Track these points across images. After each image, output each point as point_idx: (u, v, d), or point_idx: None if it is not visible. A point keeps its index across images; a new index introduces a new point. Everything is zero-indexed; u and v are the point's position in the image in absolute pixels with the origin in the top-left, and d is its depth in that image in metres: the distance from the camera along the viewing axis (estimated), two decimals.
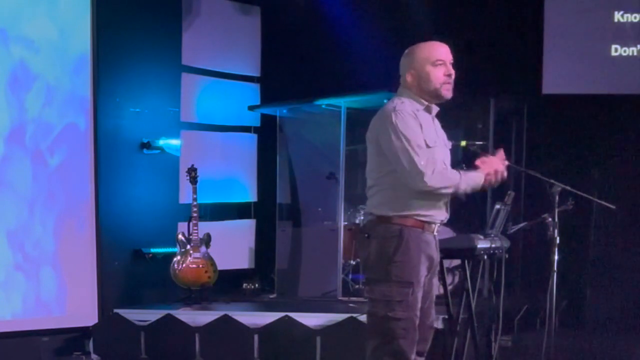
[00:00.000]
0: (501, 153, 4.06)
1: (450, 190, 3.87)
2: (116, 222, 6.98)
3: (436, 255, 4.01)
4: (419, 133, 3.83)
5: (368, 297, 4.00)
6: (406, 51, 4.02)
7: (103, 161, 6.89)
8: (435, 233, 3.98)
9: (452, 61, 3.96)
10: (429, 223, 3.93)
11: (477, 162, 4.01)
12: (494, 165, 3.96)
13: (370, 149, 3.99)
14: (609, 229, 7.48)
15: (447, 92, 3.94)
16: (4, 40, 6.38)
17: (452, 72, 3.94)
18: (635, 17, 7.60)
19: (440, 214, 3.96)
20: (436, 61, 3.91)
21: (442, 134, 4.06)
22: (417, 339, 3.89)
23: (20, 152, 6.49)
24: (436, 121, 4.05)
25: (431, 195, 3.86)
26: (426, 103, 3.96)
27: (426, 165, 3.79)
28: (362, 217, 7.26)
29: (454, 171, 3.89)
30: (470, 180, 3.90)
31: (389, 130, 3.83)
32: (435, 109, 4.02)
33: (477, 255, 5.15)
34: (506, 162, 4.03)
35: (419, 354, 3.98)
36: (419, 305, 3.90)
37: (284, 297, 7.45)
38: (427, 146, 3.85)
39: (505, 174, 4.01)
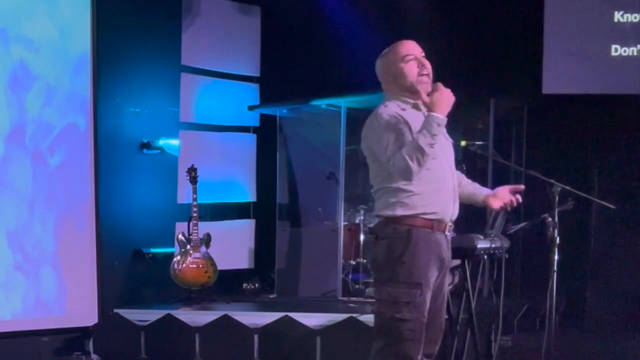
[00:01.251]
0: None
1: (420, 155, 3.66)
2: (116, 222, 6.98)
3: (447, 256, 3.92)
4: (401, 131, 3.76)
5: (375, 298, 3.94)
6: (377, 59, 4.03)
7: (103, 161, 6.89)
8: (447, 232, 3.90)
9: (422, 54, 3.93)
10: (439, 222, 3.85)
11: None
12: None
13: (367, 157, 3.96)
14: (609, 229, 7.47)
15: (425, 85, 3.88)
16: (4, 40, 6.38)
17: (425, 63, 3.91)
18: (635, 17, 7.60)
19: (446, 212, 3.87)
20: (405, 57, 3.89)
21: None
22: (423, 340, 3.82)
23: (20, 152, 6.49)
24: None
25: (428, 181, 3.78)
26: (412, 101, 3.91)
27: (389, 161, 3.72)
28: (362, 217, 7.27)
29: (410, 142, 3.70)
30: (424, 127, 3.71)
31: (375, 136, 3.82)
32: None
33: (477, 255, 5.15)
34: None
35: (427, 356, 3.90)
36: (427, 306, 3.82)
37: (284, 297, 7.45)
38: None
39: (517, 200, 4.03)
